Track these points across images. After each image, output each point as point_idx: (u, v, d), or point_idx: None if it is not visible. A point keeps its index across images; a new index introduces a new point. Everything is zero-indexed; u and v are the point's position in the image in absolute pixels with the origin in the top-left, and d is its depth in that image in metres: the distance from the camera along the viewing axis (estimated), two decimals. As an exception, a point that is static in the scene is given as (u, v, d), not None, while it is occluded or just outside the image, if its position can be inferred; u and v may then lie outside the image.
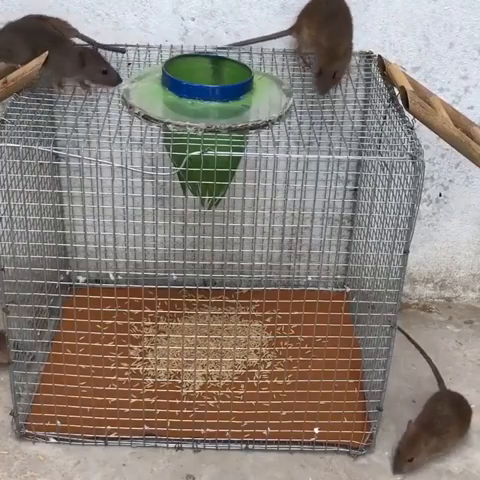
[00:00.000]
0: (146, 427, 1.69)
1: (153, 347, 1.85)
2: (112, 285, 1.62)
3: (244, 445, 1.70)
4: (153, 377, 1.78)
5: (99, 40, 1.87)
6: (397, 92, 1.63)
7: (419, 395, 1.87)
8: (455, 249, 2.16)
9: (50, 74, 1.66)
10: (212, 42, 1.86)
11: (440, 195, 2.06)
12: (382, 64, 1.75)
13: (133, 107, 1.56)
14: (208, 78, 1.70)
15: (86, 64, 1.66)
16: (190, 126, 1.50)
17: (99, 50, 1.76)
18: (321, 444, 1.70)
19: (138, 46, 1.86)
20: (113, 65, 1.82)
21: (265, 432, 1.70)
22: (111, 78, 1.68)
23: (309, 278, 1.65)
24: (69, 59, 1.66)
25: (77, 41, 1.78)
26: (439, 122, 1.54)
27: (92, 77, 1.68)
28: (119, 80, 1.68)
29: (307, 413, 1.67)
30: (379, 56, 1.78)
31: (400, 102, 1.59)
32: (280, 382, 1.77)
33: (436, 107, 1.59)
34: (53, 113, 1.83)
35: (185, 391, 1.77)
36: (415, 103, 1.54)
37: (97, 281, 1.70)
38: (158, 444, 1.70)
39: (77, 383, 1.65)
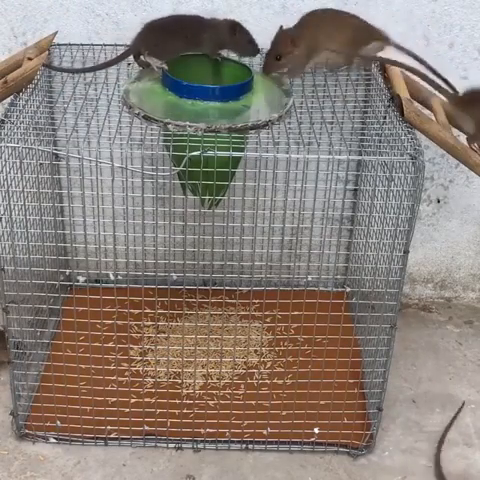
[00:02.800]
0: (146, 427, 1.69)
1: (153, 347, 1.85)
2: (112, 285, 1.62)
3: (244, 445, 1.70)
4: (153, 377, 1.78)
5: (99, 40, 1.87)
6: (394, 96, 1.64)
7: (419, 395, 1.87)
8: (455, 249, 2.16)
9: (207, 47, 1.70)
10: (212, 42, 1.86)
11: (438, 201, 2.06)
12: (383, 66, 1.75)
13: (133, 107, 1.56)
14: (208, 78, 1.70)
15: (236, 34, 1.70)
16: (190, 126, 1.50)
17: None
18: (321, 444, 1.70)
19: (138, 46, 1.86)
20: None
21: (265, 432, 1.70)
22: (254, 47, 1.72)
23: (309, 278, 1.65)
24: (220, 32, 1.70)
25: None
26: (435, 130, 1.54)
27: (240, 47, 1.72)
28: (257, 51, 1.73)
29: (307, 413, 1.67)
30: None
31: (396, 110, 1.59)
32: (280, 382, 1.77)
33: (436, 109, 1.60)
34: (53, 113, 1.84)
35: (185, 391, 1.77)
36: (410, 112, 1.54)
37: (97, 281, 1.70)
38: (158, 444, 1.70)
39: (77, 383, 1.65)
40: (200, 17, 1.73)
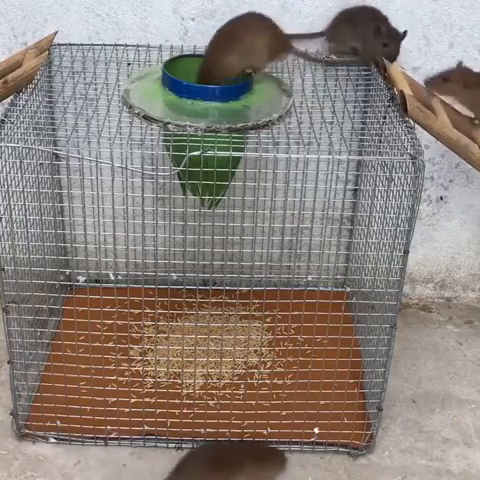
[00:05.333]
0: (146, 427, 1.69)
1: (153, 347, 1.85)
2: (112, 285, 1.62)
3: (244, 445, 1.70)
4: (153, 377, 1.78)
5: (99, 40, 1.87)
6: (396, 93, 1.63)
7: (419, 395, 1.87)
8: (455, 249, 2.16)
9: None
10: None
11: (441, 199, 2.06)
12: (383, 66, 1.75)
13: (133, 107, 1.56)
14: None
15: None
16: (190, 126, 1.50)
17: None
18: (321, 444, 1.70)
19: (138, 46, 1.86)
20: (113, 65, 1.83)
21: (265, 432, 1.70)
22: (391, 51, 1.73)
23: (309, 278, 1.65)
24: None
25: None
26: (438, 126, 1.54)
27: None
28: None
29: (307, 413, 1.67)
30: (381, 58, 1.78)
31: (398, 107, 1.59)
32: (280, 382, 1.77)
33: (437, 109, 1.59)
34: (53, 113, 1.84)
35: (185, 391, 1.77)
36: (414, 108, 1.54)
37: (97, 281, 1.70)
38: (158, 444, 1.70)
39: (77, 383, 1.65)
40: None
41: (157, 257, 1.62)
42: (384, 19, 1.76)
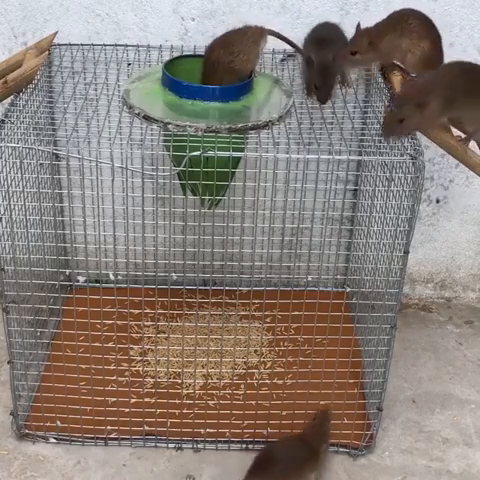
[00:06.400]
0: (146, 427, 1.69)
1: (153, 347, 1.85)
2: (112, 285, 1.62)
3: (244, 445, 1.70)
4: (153, 377, 1.78)
5: (99, 40, 1.87)
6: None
7: (419, 395, 1.87)
8: (455, 249, 2.16)
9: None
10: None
11: (437, 201, 2.06)
12: (383, 66, 1.75)
13: (133, 107, 1.56)
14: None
15: None
16: (190, 126, 1.50)
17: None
18: (321, 444, 1.70)
19: (138, 46, 1.86)
20: (113, 65, 1.83)
21: (265, 432, 1.70)
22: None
23: (309, 278, 1.65)
24: None
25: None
26: (435, 131, 1.55)
27: None
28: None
29: (307, 413, 1.67)
30: None
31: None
32: (280, 382, 1.77)
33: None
34: (53, 113, 1.84)
35: (185, 391, 1.77)
36: None
37: (97, 281, 1.70)
38: (158, 444, 1.70)
39: (77, 383, 1.65)
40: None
41: (157, 257, 1.62)
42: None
